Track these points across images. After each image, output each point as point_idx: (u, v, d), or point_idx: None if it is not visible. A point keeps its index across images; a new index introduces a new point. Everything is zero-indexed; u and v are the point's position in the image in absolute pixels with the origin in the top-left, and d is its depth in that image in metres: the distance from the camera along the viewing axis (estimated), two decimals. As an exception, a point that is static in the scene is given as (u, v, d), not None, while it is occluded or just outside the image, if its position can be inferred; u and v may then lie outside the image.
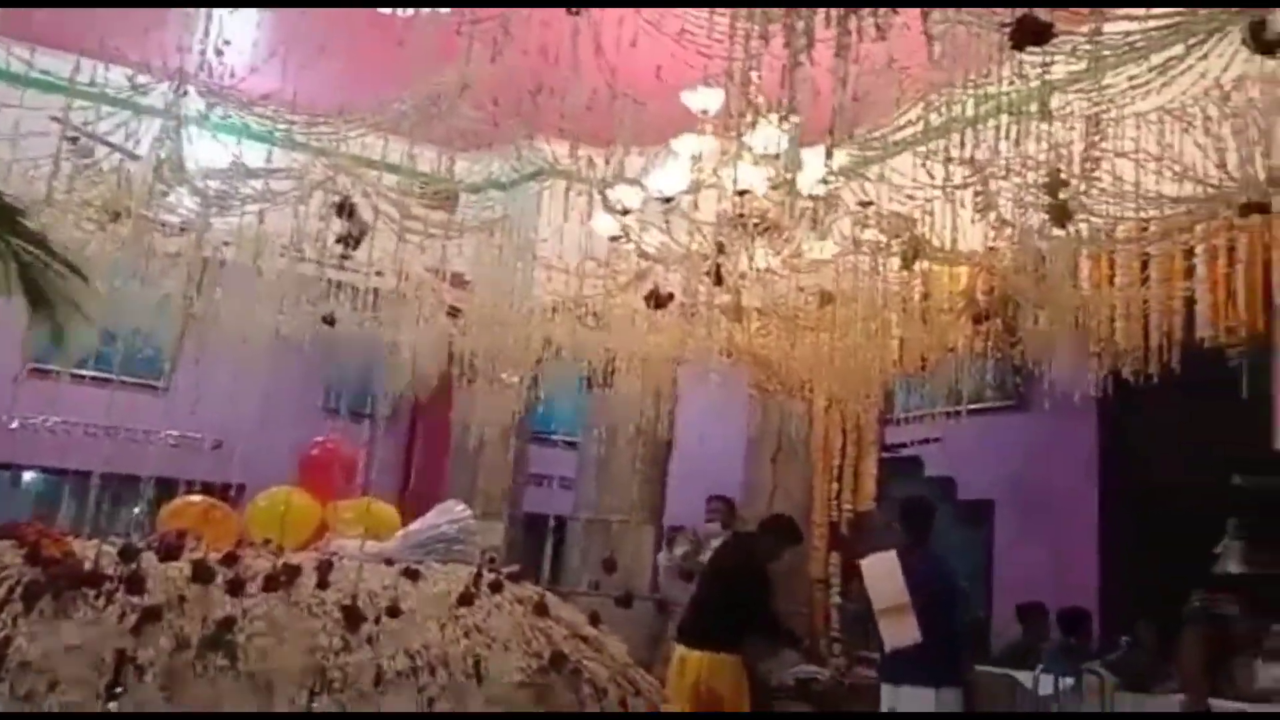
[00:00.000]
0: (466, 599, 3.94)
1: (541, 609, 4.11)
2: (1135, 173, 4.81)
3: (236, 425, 7.23)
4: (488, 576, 4.17)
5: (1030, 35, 3.36)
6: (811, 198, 5.16)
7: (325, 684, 3.47)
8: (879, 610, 6.40)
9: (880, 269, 5.90)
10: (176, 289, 6.25)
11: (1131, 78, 4.20)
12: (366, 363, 7.37)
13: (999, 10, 3.61)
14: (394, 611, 3.73)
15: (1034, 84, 4.04)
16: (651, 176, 5.28)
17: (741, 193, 5.07)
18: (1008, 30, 3.41)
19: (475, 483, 8.63)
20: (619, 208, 5.37)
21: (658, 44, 4.15)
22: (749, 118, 4.42)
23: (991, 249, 5.55)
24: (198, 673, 3.37)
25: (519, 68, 4.06)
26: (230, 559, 3.81)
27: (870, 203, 5.39)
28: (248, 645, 3.47)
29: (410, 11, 4.06)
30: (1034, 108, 4.09)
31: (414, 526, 4.78)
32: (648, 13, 4.11)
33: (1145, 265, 5.72)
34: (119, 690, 3.28)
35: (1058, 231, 4.93)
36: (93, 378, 6.70)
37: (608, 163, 5.27)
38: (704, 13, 3.95)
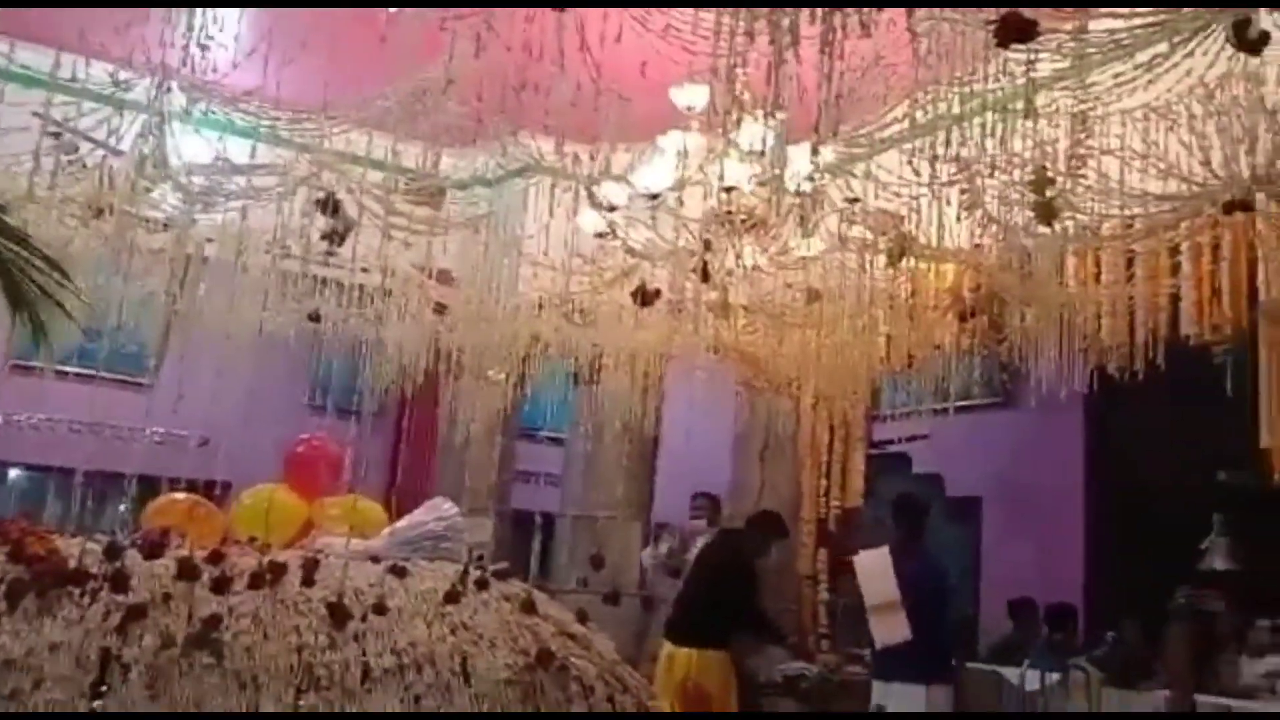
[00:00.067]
0: (453, 596, 3.93)
1: (529, 606, 4.10)
2: (1120, 170, 4.82)
3: (222, 422, 7.21)
4: (474, 574, 4.16)
5: (1015, 33, 3.36)
6: (798, 194, 5.16)
7: (311, 682, 3.45)
8: (871, 607, 6.42)
9: (867, 266, 5.91)
10: (160, 286, 6.23)
11: (1117, 75, 4.21)
12: (352, 360, 7.35)
13: (984, 8, 3.62)
14: (380, 609, 3.72)
15: (1019, 81, 4.04)
16: (638, 173, 5.28)
17: (728, 189, 5.07)
18: (993, 28, 3.41)
19: (462, 480, 8.60)
20: (605, 204, 5.37)
21: (643, 40, 4.14)
22: (735, 114, 4.41)
23: (978, 246, 5.56)
24: (183, 671, 3.35)
25: (503, 63, 4.04)
26: (215, 557, 3.79)
27: (857, 200, 5.40)
28: (233, 643, 3.45)
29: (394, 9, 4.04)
30: (1019, 105, 4.09)
31: (401, 524, 4.76)
32: (633, 9, 4.10)
33: (1131, 263, 5.74)
34: (103, 688, 3.26)
35: (1043, 229, 4.94)
36: (77, 375, 6.69)
37: (594, 159, 5.26)
38: (689, 9, 3.95)
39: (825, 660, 7.69)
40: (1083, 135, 4.63)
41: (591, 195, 5.37)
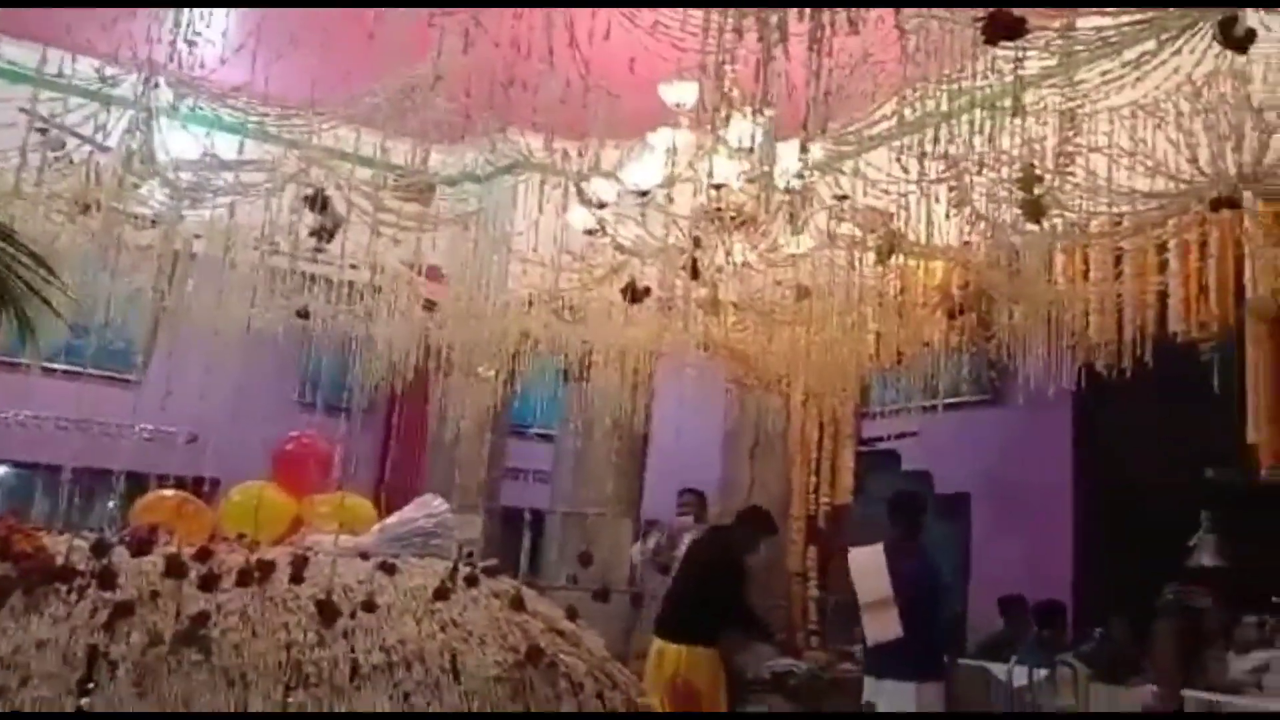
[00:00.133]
0: (442, 593, 3.93)
1: (518, 603, 4.10)
2: (1108, 168, 4.84)
3: (210, 419, 7.17)
4: (464, 570, 4.16)
5: (1003, 30, 3.37)
6: (787, 191, 5.17)
7: (300, 679, 3.45)
8: (864, 604, 6.42)
9: (856, 263, 5.92)
10: (148, 282, 6.20)
11: (1104, 73, 4.22)
12: (342, 356, 7.33)
13: (972, 6, 3.62)
14: (370, 606, 3.71)
15: (1008, 79, 4.05)
16: (627, 170, 5.28)
17: (717, 186, 5.08)
18: (981, 25, 3.41)
19: (452, 476, 8.59)
20: (595, 201, 5.37)
21: (631, 37, 4.14)
22: (724, 111, 4.41)
23: (966, 244, 5.58)
24: (171, 668, 3.34)
25: (492, 60, 4.04)
26: (204, 554, 3.78)
27: (846, 197, 5.41)
28: (221, 640, 3.45)
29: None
30: (1008, 103, 4.10)
31: (390, 521, 4.75)
32: (621, 6, 4.10)
33: (1119, 260, 5.76)
34: (91, 686, 3.26)
35: (1032, 226, 4.96)
36: (64, 371, 6.65)
37: (583, 156, 5.26)
38: (678, 6, 3.95)
39: (814, 657, 7.71)
40: (1070, 133, 4.64)
41: (581, 192, 5.37)
